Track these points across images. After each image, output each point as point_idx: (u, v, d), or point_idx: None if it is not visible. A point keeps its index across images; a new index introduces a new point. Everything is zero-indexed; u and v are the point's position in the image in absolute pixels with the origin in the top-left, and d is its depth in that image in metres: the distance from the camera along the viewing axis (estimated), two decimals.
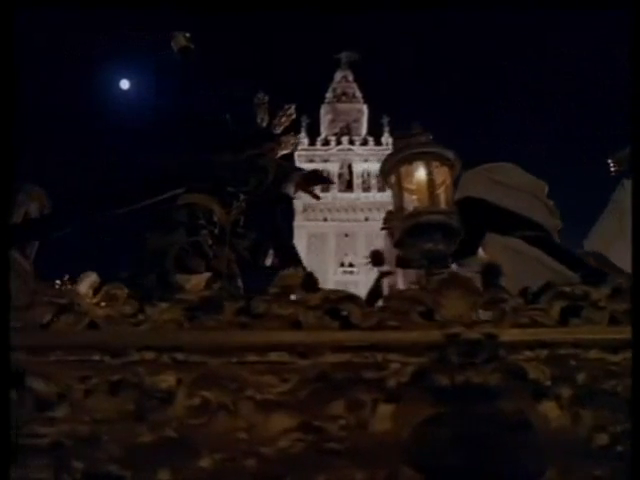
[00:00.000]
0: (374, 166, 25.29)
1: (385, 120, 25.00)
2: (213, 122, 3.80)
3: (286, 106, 3.39)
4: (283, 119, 3.39)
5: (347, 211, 25.87)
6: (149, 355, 1.44)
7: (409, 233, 1.73)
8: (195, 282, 1.55)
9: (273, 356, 1.43)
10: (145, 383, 1.40)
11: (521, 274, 2.12)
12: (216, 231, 2.85)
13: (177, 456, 1.30)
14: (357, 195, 25.63)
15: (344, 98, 26.36)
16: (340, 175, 25.61)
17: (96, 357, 1.46)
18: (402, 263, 2.23)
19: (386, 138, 25.34)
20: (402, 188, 1.79)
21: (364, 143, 25.64)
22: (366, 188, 25.50)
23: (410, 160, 1.81)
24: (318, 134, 26.05)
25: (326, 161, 25.74)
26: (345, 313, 1.52)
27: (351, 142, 25.57)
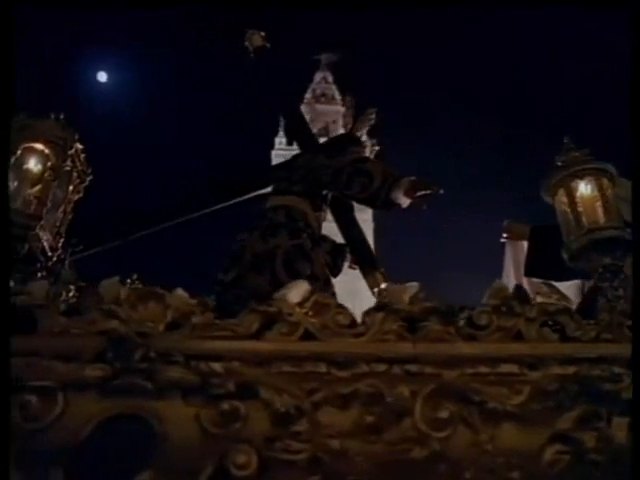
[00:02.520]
0: None
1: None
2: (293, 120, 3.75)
3: (368, 111, 3.38)
4: (365, 123, 3.37)
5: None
6: (380, 367, 1.41)
7: (588, 247, 1.76)
8: (409, 293, 1.51)
9: (503, 368, 1.43)
10: (383, 396, 1.37)
11: None
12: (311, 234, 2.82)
13: (441, 470, 1.28)
14: None
15: (323, 99, 26.38)
16: None
17: (322, 369, 1.41)
18: (530, 272, 2.26)
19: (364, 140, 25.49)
20: (575, 203, 1.82)
21: None
22: None
23: (581, 176, 1.84)
24: None
25: None
26: (551, 323, 1.53)
27: None
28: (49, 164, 2.12)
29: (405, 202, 2.59)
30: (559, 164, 1.89)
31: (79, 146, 2.22)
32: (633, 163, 1.85)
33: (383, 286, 1.54)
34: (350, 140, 3.25)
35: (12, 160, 2.07)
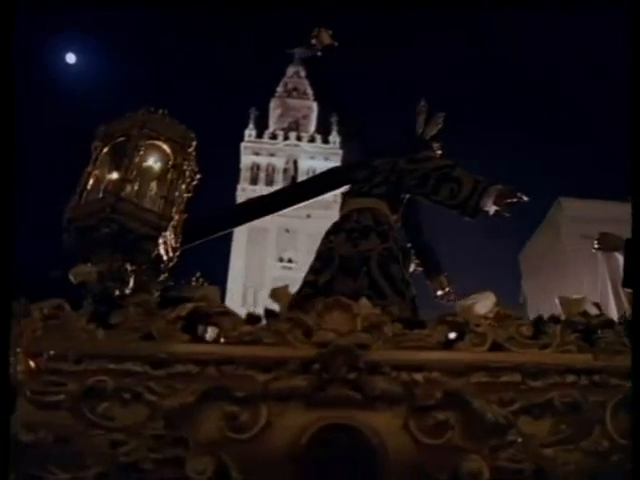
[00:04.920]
0: (320, 163, 25.52)
1: (334, 119, 25.25)
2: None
3: (437, 115, 3.42)
4: (434, 127, 3.41)
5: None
6: (570, 377, 1.48)
7: None
8: (582, 305, 1.59)
9: None
10: (576, 405, 1.43)
11: None
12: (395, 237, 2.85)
13: None
14: None
15: (295, 94, 26.32)
16: (285, 170, 25.58)
17: (516, 379, 1.46)
18: (628, 283, 2.36)
19: (334, 137, 25.63)
20: None
21: (311, 140, 25.79)
22: None
23: None
24: (266, 127, 25.83)
25: (272, 155, 25.59)
26: None
27: (298, 138, 25.62)
28: (170, 163, 2.07)
29: (492, 209, 2.66)
30: None
31: (194, 144, 2.17)
32: (632, 162, 1.85)
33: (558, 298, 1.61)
34: (422, 144, 3.29)
35: (136, 159, 2.01)
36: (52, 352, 1.43)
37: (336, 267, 2.61)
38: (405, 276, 2.66)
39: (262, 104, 25.80)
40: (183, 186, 2.17)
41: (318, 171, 26.17)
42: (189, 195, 2.23)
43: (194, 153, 2.19)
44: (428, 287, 3.33)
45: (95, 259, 1.85)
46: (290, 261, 25.16)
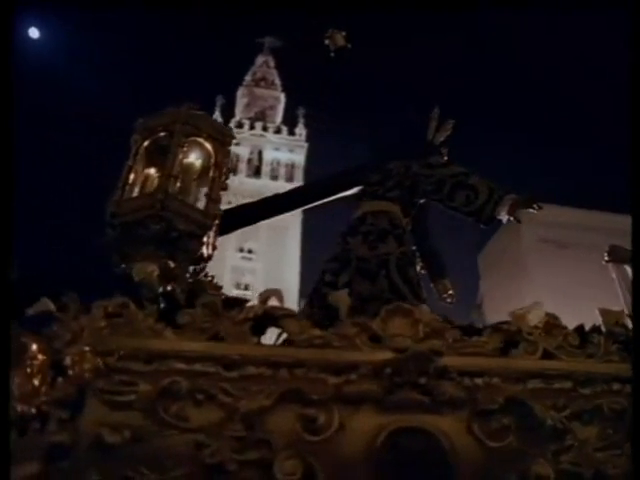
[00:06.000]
0: (285, 155, 25.42)
1: (301, 112, 25.22)
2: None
3: (448, 121, 3.49)
4: (443, 133, 3.48)
5: (253, 197, 25.45)
6: (616, 386, 1.58)
7: None
8: (623, 316, 1.69)
9: None
10: (624, 412, 1.54)
11: None
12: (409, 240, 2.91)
13: None
14: (264, 182, 25.47)
15: (263, 83, 26.03)
16: (249, 160, 25.32)
17: (568, 386, 1.55)
18: None
19: (300, 129, 25.53)
20: None
21: (277, 131, 25.61)
22: (274, 176, 25.48)
23: None
24: (232, 116, 25.44)
25: (237, 144, 25.22)
26: None
27: (264, 129, 25.36)
28: (212, 160, 2.06)
29: (505, 218, 2.77)
30: None
31: (233, 141, 2.16)
32: (632, 161, 1.90)
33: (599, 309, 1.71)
34: (433, 149, 3.35)
35: (179, 155, 1.99)
36: (122, 352, 1.40)
37: (353, 269, 2.65)
38: (419, 279, 2.74)
39: (229, 92, 25.46)
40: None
41: (282, 162, 26.24)
42: (225, 192, 2.22)
43: (231, 150, 2.18)
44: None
45: (141, 256, 1.82)
46: (250, 252, 24.96)
